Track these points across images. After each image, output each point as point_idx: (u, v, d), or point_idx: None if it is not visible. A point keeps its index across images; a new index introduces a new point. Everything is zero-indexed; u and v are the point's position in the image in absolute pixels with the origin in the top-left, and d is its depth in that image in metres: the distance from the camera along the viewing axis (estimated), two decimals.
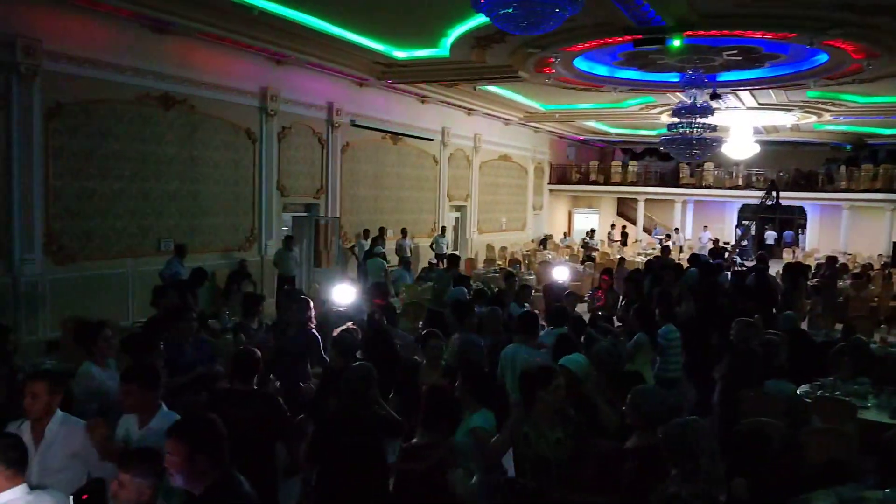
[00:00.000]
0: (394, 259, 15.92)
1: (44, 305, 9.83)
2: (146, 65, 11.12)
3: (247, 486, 2.78)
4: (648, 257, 17.46)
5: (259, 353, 4.53)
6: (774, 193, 20.91)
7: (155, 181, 11.51)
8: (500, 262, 18.67)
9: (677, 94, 16.97)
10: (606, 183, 27.79)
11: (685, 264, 13.13)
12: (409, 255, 16.45)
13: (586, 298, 10.44)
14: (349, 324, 6.43)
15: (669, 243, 21.87)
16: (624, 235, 26.07)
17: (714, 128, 16.14)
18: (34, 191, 9.75)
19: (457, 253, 15.81)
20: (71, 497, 2.00)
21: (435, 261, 16.37)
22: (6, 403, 4.38)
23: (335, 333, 5.64)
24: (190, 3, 10.40)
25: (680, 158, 18.49)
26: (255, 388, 4.46)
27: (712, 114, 15.47)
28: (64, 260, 10.21)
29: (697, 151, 16.11)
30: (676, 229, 25.94)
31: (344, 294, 7.54)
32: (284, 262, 13.40)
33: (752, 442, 4.35)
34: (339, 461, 3.87)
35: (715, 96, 15.52)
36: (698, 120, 15.40)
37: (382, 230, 16.32)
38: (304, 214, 15.62)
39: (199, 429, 2.76)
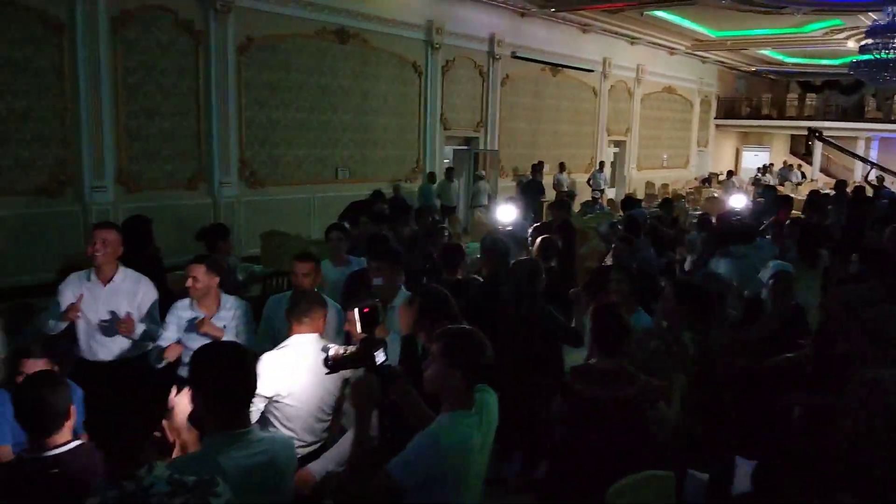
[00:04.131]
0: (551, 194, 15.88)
1: (239, 225, 10.86)
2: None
3: None
4: None
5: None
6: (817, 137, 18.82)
7: (331, 113, 12.20)
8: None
9: (870, 14, 15.30)
10: (780, 117, 25.73)
11: None
12: (565, 189, 16.35)
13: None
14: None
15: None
16: (801, 175, 24.10)
17: None
18: (230, 121, 10.69)
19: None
20: (356, 310, 2.30)
21: (598, 195, 16.16)
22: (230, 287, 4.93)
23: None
24: None
25: (872, 83, 16.76)
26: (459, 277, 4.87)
27: None
28: (255, 184, 11.20)
29: (894, 77, 14.53)
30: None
31: (506, 213, 7.88)
32: (446, 192, 13.85)
33: None
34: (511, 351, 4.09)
35: None
36: None
37: (540, 164, 16.28)
38: (465, 148, 15.94)
39: (436, 300, 3.14)
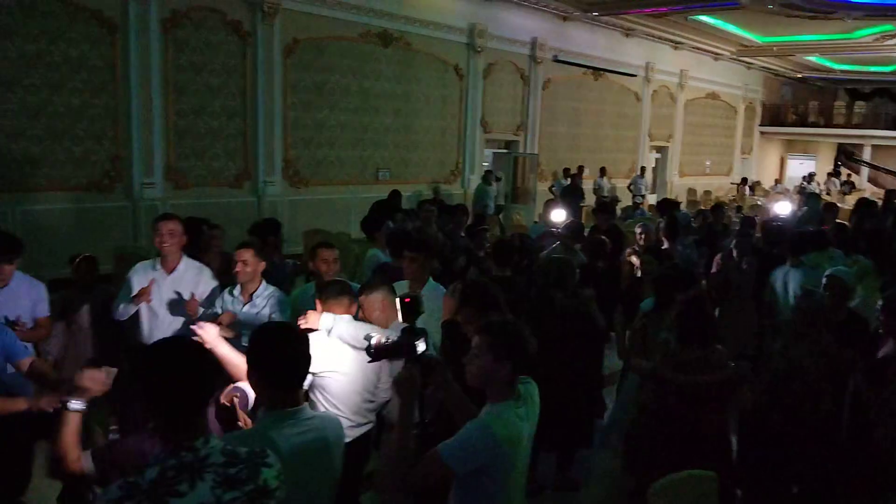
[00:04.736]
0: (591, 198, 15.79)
1: (282, 223, 11.01)
2: (368, 2, 11.82)
3: None
4: None
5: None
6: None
7: (374, 115, 12.34)
8: (703, 207, 17.76)
9: None
10: (827, 125, 25.11)
11: None
12: (605, 194, 16.23)
13: None
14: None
15: None
16: (849, 184, 23.42)
17: None
18: (275, 121, 10.89)
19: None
20: (397, 298, 2.34)
21: (640, 200, 16.01)
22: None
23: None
24: None
25: None
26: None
27: None
28: (298, 183, 11.39)
29: None
30: None
31: (558, 215, 7.97)
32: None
33: None
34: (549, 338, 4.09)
35: None
36: None
37: (580, 168, 16.21)
38: (504, 151, 15.94)
39: (479, 290, 3.22)
